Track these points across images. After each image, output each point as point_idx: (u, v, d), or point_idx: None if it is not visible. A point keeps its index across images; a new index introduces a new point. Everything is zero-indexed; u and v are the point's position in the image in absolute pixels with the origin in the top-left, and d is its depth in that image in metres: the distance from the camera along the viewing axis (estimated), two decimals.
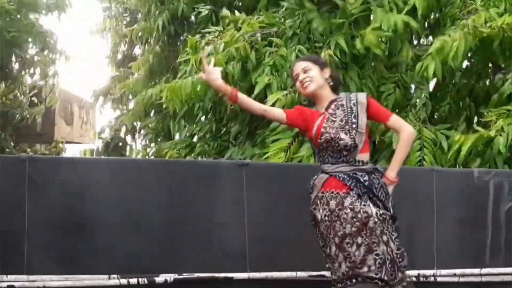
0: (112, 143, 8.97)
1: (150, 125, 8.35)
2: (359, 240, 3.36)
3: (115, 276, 4.25)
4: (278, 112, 3.63)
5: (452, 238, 4.81)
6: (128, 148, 9.04)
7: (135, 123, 8.77)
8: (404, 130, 3.55)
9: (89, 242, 4.28)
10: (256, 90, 6.15)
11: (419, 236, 4.77)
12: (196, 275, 4.25)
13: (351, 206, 3.39)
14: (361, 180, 3.46)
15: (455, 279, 4.77)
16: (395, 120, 3.57)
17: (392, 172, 3.53)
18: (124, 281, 4.24)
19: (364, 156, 3.53)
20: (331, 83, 3.65)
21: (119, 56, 10.48)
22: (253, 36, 6.44)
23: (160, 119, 8.26)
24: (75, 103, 14.70)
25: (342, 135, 3.49)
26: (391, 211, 3.50)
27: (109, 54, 10.48)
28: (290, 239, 3.95)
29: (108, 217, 4.34)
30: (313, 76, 3.56)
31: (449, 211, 4.81)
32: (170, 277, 4.31)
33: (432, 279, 4.72)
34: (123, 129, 9.27)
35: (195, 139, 7.44)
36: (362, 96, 3.59)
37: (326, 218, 3.44)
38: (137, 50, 10.00)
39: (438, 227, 4.72)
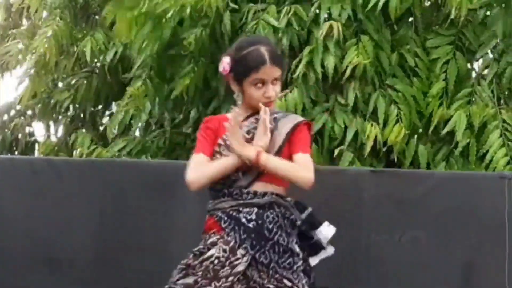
0: (11, 136, 8.19)
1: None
2: None
3: None
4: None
5: None
6: (39, 145, 8.24)
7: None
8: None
9: None
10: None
11: (483, 274, 4.32)
12: None
13: (216, 255, 3.22)
14: (243, 220, 3.24)
15: None
16: (303, 158, 3.32)
17: (263, 157, 3.21)
18: None
19: (261, 186, 3.29)
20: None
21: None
22: None
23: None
24: None
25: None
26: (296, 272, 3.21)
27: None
28: None
29: (7, 247, 4.11)
30: (277, 93, 3.41)
31: None
32: None
33: None
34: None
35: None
36: (295, 118, 3.45)
37: (184, 261, 3.28)
38: None
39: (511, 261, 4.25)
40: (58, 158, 6.97)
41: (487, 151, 5.45)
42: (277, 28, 5.58)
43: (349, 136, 5.48)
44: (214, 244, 3.20)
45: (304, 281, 3.19)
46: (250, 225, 3.21)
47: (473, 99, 5.67)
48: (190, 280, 3.14)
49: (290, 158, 3.33)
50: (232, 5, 5.75)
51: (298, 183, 3.22)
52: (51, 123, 7.74)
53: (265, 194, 3.25)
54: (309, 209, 3.33)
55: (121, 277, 3.92)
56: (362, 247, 4.25)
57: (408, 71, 5.72)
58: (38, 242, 4.10)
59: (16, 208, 4.12)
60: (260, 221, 3.21)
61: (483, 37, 5.79)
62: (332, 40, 5.52)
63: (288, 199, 3.31)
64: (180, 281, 3.17)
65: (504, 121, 5.53)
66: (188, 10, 5.50)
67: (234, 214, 3.24)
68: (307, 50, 5.51)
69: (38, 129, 8.17)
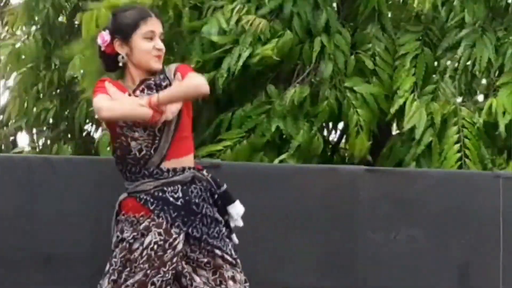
0: None
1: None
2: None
3: None
4: None
5: None
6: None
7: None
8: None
9: None
10: None
11: (477, 271, 4.43)
12: None
13: (154, 241, 3.24)
14: (171, 199, 3.28)
15: None
16: (188, 75, 3.32)
17: (154, 97, 3.20)
18: None
19: (175, 162, 3.31)
20: None
21: None
22: None
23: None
24: None
25: (135, 135, 3.29)
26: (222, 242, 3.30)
27: None
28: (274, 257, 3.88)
29: (4, 244, 3.93)
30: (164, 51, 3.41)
31: None
32: None
33: None
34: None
35: None
36: (172, 67, 3.43)
37: (122, 253, 3.28)
38: None
39: (506, 260, 4.38)
40: (55, 156, 6.99)
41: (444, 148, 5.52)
42: (224, 29, 5.64)
43: (295, 144, 5.54)
44: (147, 229, 3.20)
45: (230, 245, 3.28)
46: (178, 202, 3.24)
47: (437, 95, 5.72)
48: (140, 276, 3.17)
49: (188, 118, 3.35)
50: (192, 1, 5.77)
51: (196, 91, 3.23)
52: (35, 133, 7.79)
53: (183, 169, 3.27)
54: (225, 186, 3.36)
55: None
56: (358, 246, 4.26)
57: (367, 73, 5.76)
58: (34, 239, 3.97)
59: (13, 205, 3.98)
60: (187, 197, 3.24)
61: (445, 30, 5.87)
62: (249, 34, 5.56)
63: (205, 172, 3.35)
64: (130, 280, 3.18)
65: (463, 118, 5.56)
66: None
67: (160, 194, 3.25)
68: (226, 38, 5.60)
69: (22, 139, 8.16)
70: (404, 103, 5.73)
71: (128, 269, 3.20)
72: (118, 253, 3.25)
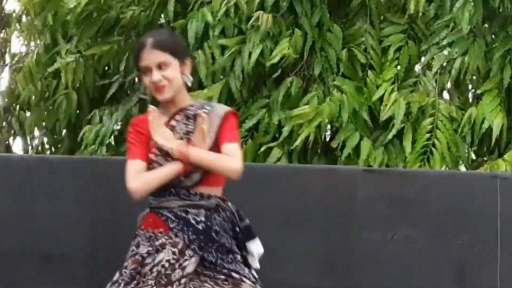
0: None
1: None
2: None
3: None
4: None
5: None
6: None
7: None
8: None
9: None
10: None
11: (475, 272, 4.39)
12: None
13: (166, 258, 3.20)
14: (192, 221, 3.25)
15: None
16: (230, 148, 3.26)
17: (185, 148, 3.19)
18: None
19: (206, 189, 3.30)
20: (190, 82, 3.39)
21: None
22: None
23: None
24: None
25: (167, 164, 3.28)
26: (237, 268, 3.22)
27: None
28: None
29: (1, 243, 3.96)
30: (171, 78, 3.28)
31: None
32: None
33: None
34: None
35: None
36: (221, 110, 3.37)
37: (133, 265, 3.24)
38: None
39: (503, 260, 4.34)
40: (53, 156, 7.07)
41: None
42: (208, 21, 5.62)
43: (285, 133, 5.50)
44: (162, 245, 3.19)
45: (247, 271, 3.22)
46: (199, 226, 3.22)
47: (417, 88, 5.72)
48: None
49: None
50: None
51: (226, 174, 3.21)
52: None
53: (210, 196, 3.26)
54: (247, 221, 3.34)
55: (115, 274, 3.45)
56: (355, 246, 4.25)
57: (359, 66, 5.72)
58: (32, 239, 3.99)
59: (11, 205, 3.99)
60: (208, 223, 3.23)
61: (434, 27, 5.84)
62: (258, 32, 5.52)
63: (229, 204, 3.33)
64: None
65: (441, 112, 5.56)
66: None
67: (183, 214, 3.24)
68: (234, 40, 5.56)
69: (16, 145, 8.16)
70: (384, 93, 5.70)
71: (135, 282, 3.18)
72: (129, 264, 3.24)
